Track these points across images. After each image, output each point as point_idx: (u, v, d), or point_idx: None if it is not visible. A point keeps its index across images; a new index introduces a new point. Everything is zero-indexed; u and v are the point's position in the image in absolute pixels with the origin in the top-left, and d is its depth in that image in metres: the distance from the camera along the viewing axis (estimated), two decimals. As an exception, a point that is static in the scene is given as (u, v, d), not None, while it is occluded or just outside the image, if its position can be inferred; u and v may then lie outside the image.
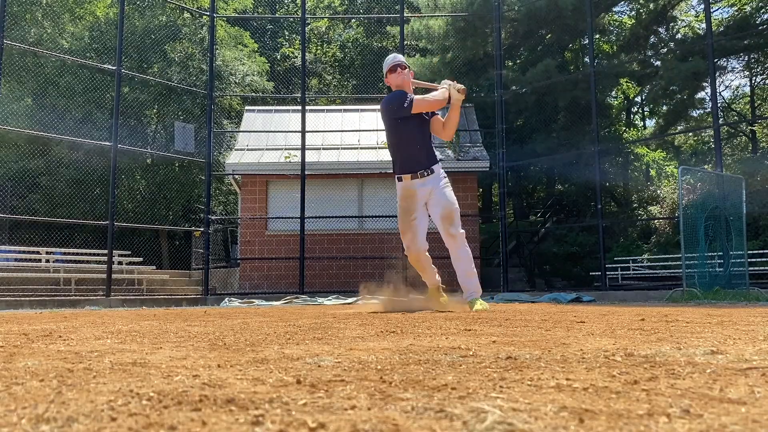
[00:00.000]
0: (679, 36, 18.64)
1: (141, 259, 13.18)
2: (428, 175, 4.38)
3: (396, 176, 4.47)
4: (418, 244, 4.50)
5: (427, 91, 4.68)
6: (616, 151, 17.10)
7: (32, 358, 1.51)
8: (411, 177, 4.37)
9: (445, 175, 4.54)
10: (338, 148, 12.85)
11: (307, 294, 9.56)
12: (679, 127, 18.54)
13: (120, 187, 14.61)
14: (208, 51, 11.18)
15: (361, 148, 12.76)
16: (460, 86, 4.42)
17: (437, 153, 4.64)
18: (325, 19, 25.39)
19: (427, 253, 4.63)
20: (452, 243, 4.40)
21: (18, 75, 14.39)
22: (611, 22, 18.91)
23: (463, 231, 4.45)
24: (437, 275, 4.76)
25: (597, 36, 16.50)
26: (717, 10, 18.19)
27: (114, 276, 9.41)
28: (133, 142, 14.18)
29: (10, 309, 6.84)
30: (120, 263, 12.11)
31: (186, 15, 17.59)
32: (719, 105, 17.00)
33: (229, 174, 12.53)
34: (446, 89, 4.43)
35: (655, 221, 16.58)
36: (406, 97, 4.36)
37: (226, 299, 8.83)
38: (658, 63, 15.82)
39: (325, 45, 26.53)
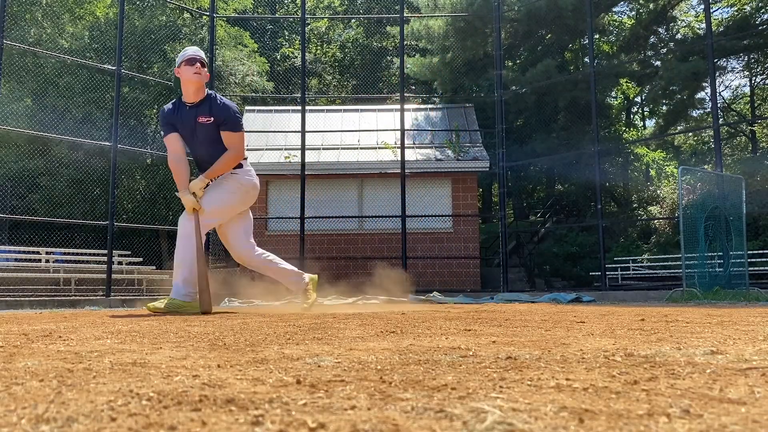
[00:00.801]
0: (679, 36, 18.64)
1: (141, 259, 13.18)
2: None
3: None
4: (235, 249, 4.39)
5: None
6: (616, 151, 17.11)
7: (32, 358, 1.51)
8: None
9: (235, 181, 4.24)
10: (338, 148, 12.85)
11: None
12: (679, 127, 18.55)
13: (120, 187, 14.60)
14: (208, 51, 11.17)
15: (361, 148, 12.76)
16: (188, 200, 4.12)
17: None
18: (325, 19, 25.40)
19: (257, 254, 4.42)
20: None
21: (18, 75, 14.38)
22: (611, 22, 18.91)
23: (183, 223, 4.14)
24: (289, 274, 4.44)
25: (597, 36, 16.50)
26: (717, 10, 18.19)
27: (114, 276, 9.41)
28: (133, 142, 14.17)
29: (10, 309, 6.84)
30: (120, 263, 12.11)
31: (186, 15, 17.58)
32: (719, 105, 17.02)
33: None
34: (187, 197, 4.11)
35: (655, 221, 16.58)
36: (160, 126, 4.26)
37: (226, 299, 8.82)
38: (658, 63, 15.83)
39: (325, 45, 26.54)
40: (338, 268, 11.98)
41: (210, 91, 4.24)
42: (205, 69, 4.15)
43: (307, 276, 4.59)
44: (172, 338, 2.10)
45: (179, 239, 4.14)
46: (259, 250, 4.45)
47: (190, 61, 4.10)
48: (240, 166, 4.27)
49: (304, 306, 4.43)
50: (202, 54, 4.19)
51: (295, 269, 4.59)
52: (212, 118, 4.11)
